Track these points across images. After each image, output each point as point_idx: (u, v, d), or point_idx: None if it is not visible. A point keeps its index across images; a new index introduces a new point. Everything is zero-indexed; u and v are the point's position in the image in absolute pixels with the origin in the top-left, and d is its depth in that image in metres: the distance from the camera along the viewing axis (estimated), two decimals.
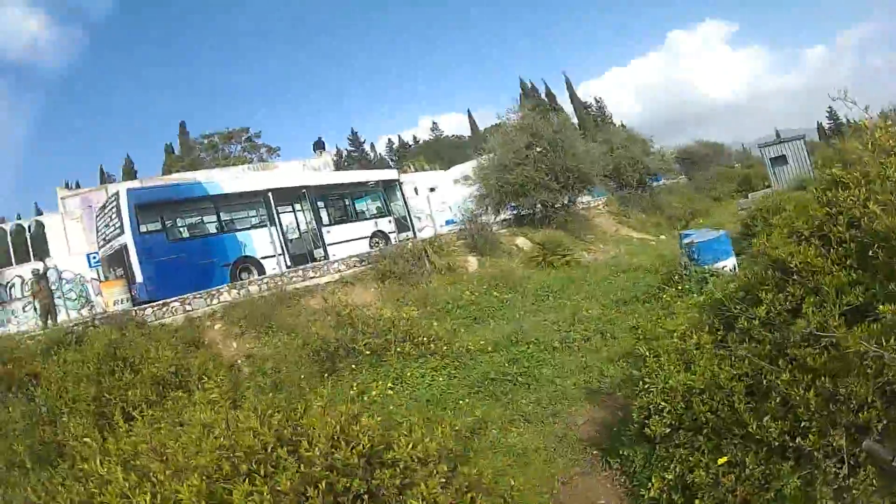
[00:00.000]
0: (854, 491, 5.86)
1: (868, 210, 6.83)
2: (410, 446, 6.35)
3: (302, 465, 5.93)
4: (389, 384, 14.68)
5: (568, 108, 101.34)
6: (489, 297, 22.29)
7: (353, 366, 15.97)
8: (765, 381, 6.97)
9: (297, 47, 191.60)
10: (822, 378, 6.30)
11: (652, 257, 26.36)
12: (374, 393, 14.05)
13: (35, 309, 26.18)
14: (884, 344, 5.72)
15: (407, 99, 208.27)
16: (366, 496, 5.87)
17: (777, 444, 6.62)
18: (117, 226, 23.35)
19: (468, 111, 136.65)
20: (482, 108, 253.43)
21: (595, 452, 10.56)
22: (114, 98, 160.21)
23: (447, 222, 37.49)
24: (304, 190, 29.57)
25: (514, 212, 35.14)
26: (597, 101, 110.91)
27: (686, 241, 19.11)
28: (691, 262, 17.77)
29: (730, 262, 17.67)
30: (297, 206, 29.78)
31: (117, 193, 23.74)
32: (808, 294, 7.11)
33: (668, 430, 8.18)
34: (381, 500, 5.94)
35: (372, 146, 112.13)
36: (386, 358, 15.99)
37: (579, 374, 13.96)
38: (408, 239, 30.00)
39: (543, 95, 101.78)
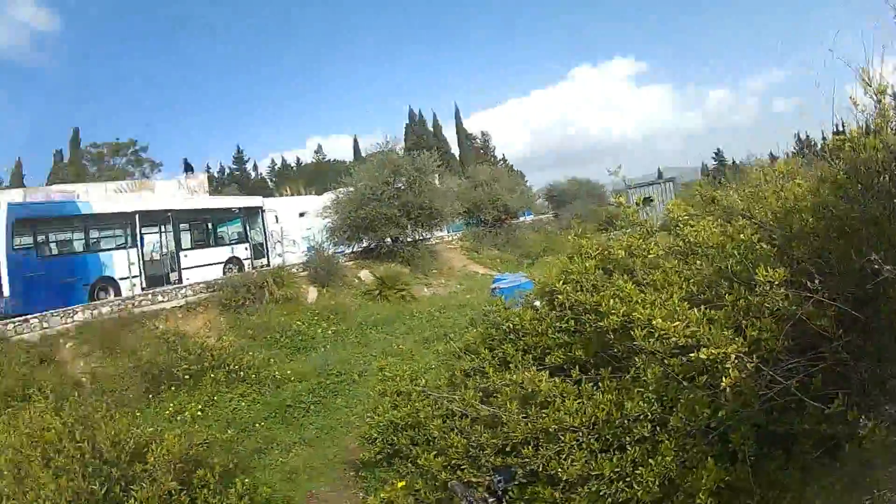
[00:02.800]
0: None
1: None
2: (160, 451, 9.11)
3: (80, 454, 8.76)
4: (200, 406, 16.96)
5: (453, 138, 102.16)
6: (318, 328, 24.26)
7: (173, 388, 17.96)
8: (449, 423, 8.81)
9: (191, 57, 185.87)
10: (474, 426, 8.21)
11: (485, 296, 27.79)
12: (187, 413, 16.52)
13: None
14: (507, 406, 7.66)
15: (297, 118, 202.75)
16: (123, 482, 8.71)
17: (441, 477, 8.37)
18: None
19: (354, 137, 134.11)
20: (370, 134, 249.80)
21: (351, 473, 12.73)
22: (9, 99, 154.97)
23: (308, 249, 37.11)
24: (169, 213, 30.31)
25: (366, 244, 36.90)
26: (483, 134, 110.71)
27: (493, 285, 21.72)
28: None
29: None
30: (162, 229, 30.12)
31: None
32: (517, 351, 9.00)
33: (379, 457, 10.44)
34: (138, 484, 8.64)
35: (255, 165, 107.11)
36: (202, 382, 18.04)
37: (366, 403, 15.34)
38: (261, 266, 31.67)
39: (430, 126, 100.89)
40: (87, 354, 20.43)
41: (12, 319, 21.55)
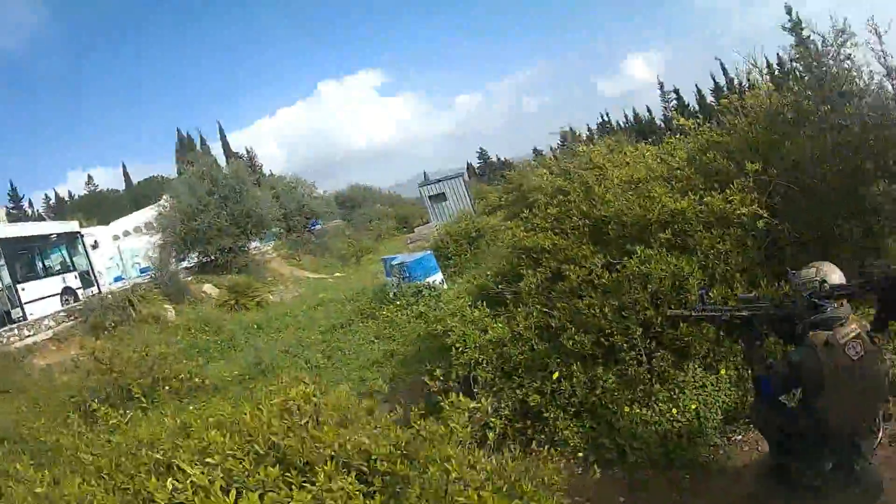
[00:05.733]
0: (652, 364, 8.25)
1: (593, 204, 9.98)
2: None
3: None
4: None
5: (221, 158, 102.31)
6: (200, 340, 22.79)
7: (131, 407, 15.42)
8: (555, 322, 9.09)
9: None
10: (610, 300, 8.54)
11: (340, 290, 28.40)
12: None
13: None
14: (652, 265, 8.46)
15: (54, 151, 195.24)
16: None
17: (590, 353, 8.55)
18: None
19: (122, 164, 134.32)
20: (137, 161, 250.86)
21: None
22: None
23: (141, 271, 36.46)
24: None
25: (197, 259, 35.64)
26: (248, 151, 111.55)
27: (395, 262, 20.98)
28: (402, 280, 19.49)
29: (438, 277, 19.91)
30: None
31: None
32: (565, 262, 9.45)
33: (491, 377, 9.65)
34: None
35: (30, 202, 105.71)
36: (156, 397, 15.45)
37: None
38: (94, 294, 28.82)
39: (199, 146, 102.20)
40: None
41: None
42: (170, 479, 3.74)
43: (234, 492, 3.64)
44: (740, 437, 7.78)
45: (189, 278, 32.38)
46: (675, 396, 8.21)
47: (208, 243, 33.87)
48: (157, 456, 4.25)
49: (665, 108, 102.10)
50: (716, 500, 6.79)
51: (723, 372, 8.20)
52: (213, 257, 34.80)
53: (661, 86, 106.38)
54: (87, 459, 5.15)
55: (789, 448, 6.05)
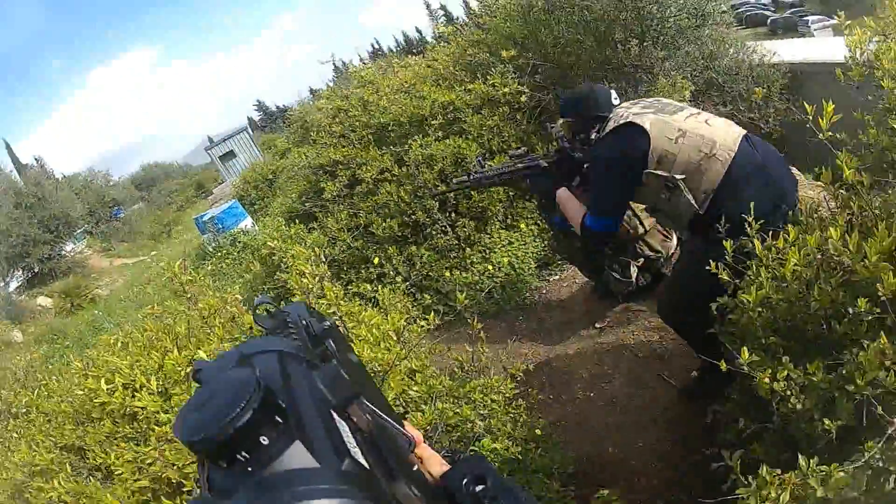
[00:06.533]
0: (456, 232, 8.92)
1: (371, 114, 10.79)
2: None
3: None
4: None
5: (15, 174, 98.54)
6: (53, 350, 22.44)
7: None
8: (362, 220, 9.69)
9: None
10: (404, 186, 9.29)
11: (161, 264, 28.60)
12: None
13: None
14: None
15: None
16: None
17: (400, 236, 9.28)
18: None
19: None
20: None
21: None
22: None
23: None
24: None
25: (23, 276, 35.84)
26: (37, 160, 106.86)
27: (206, 218, 22.09)
28: (217, 232, 20.48)
29: (248, 221, 20.96)
30: None
31: None
32: (358, 168, 10.21)
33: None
34: None
35: None
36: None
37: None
38: None
39: None
40: None
41: None
42: (102, 380, 4.03)
43: (153, 378, 4.05)
44: (557, 276, 8.57)
45: (22, 297, 32.40)
46: (486, 257, 8.89)
47: (27, 256, 34.18)
48: (79, 392, 4.26)
49: (435, 26, 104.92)
50: (551, 330, 7.54)
51: (523, 226, 8.92)
52: (36, 270, 35.00)
53: (428, 6, 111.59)
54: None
55: (597, 265, 6.85)
